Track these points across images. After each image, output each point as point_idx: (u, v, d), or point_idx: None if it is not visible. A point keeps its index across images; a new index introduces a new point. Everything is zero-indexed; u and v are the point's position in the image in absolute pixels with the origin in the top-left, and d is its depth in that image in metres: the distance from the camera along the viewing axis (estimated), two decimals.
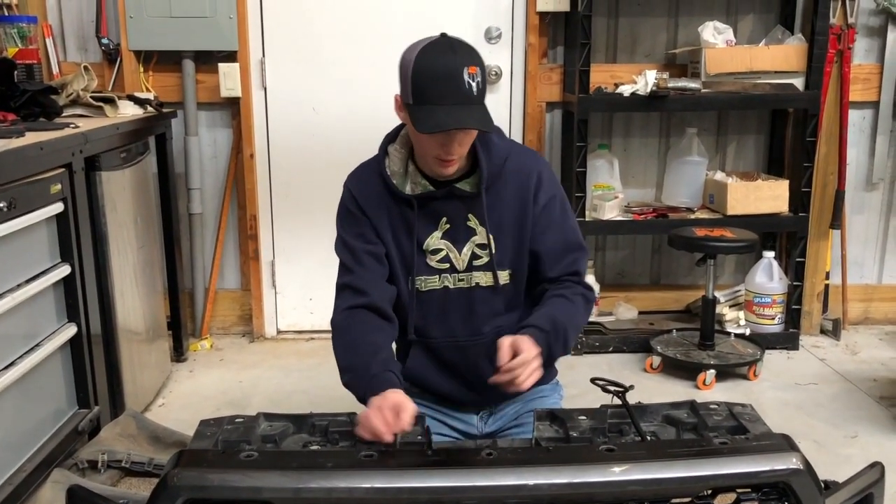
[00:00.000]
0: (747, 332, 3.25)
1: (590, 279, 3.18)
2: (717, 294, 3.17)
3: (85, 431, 2.21)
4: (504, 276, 1.69)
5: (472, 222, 1.67)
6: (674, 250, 3.29)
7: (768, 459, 1.34)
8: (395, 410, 1.36)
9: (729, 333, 3.20)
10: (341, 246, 1.70)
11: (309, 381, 3.03)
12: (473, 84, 1.49)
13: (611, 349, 3.25)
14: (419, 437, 1.40)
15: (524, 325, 1.59)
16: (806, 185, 3.20)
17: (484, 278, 1.69)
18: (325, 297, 3.45)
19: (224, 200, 3.34)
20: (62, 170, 2.12)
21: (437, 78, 1.49)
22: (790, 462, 1.33)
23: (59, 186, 2.09)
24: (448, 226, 1.66)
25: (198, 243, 3.33)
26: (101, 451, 2.22)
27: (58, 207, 2.09)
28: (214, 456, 1.37)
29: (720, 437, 1.41)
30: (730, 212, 3.13)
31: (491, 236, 1.66)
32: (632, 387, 1.47)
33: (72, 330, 2.17)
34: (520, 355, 1.49)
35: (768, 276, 3.27)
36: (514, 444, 1.48)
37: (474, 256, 1.67)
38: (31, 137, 2.03)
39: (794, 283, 3.28)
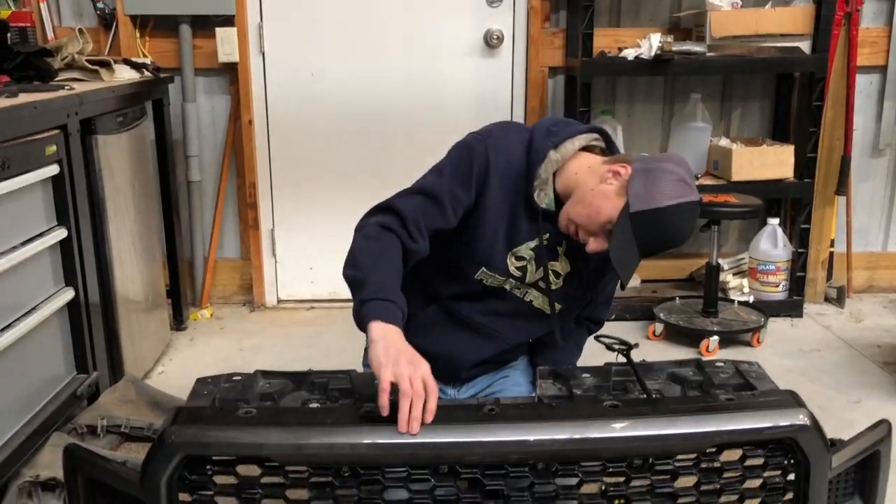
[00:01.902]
0: (751, 299, 3.22)
1: None
2: (720, 261, 3.14)
3: (83, 397, 2.20)
4: (556, 308, 1.68)
5: (561, 248, 1.64)
6: None
7: (775, 415, 1.32)
8: (422, 379, 1.28)
9: (732, 301, 3.17)
10: (433, 178, 1.57)
11: (310, 350, 3.02)
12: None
13: (613, 317, 3.22)
14: None
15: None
16: (812, 151, 3.16)
17: (540, 301, 1.67)
18: (325, 266, 3.47)
19: (223, 168, 3.30)
20: (57, 131, 2.08)
21: (666, 238, 1.51)
22: (797, 418, 1.31)
23: (54, 148, 2.05)
24: (547, 241, 1.62)
25: (197, 211, 3.30)
26: (100, 416, 2.20)
27: (53, 170, 2.05)
28: (213, 413, 1.35)
29: (726, 394, 1.39)
30: (734, 178, 3.10)
31: (569, 272, 1.65)
32: (636, 345, 1.45)
33: (69, 294, 2.14)
34: None
35: (772, 243, 3.24)
36: (516, 401, 1.46)
37: (544, 279, 1.64)
38: (24, 98, 1.99)
39: (799, 251, 3.25)
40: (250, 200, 3.31)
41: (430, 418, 1.27)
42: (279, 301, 3.48)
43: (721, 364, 1.53)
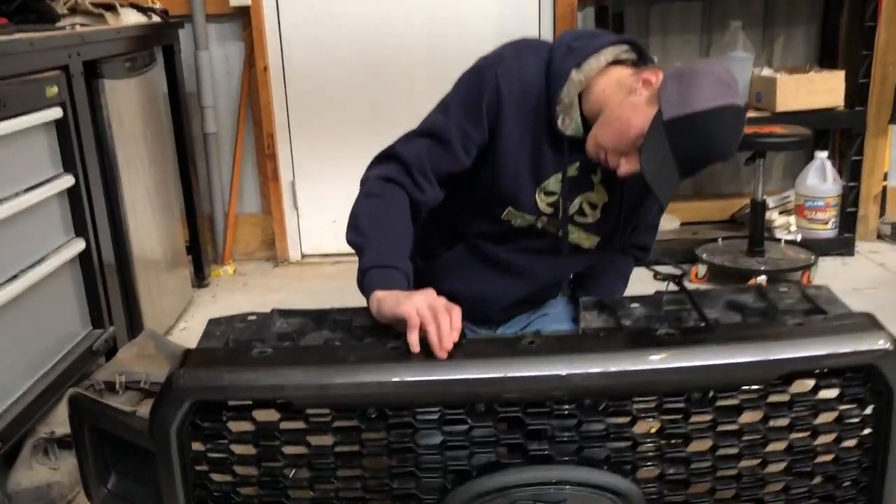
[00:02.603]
0: (798, 238, 3.04)
1: None
2: (765, 199, 2.96)
3: (100, 352, 2.10)
4: (594, 242, 1.53)
5: (596, 177, 1.47)
6: None
7: (852, 340, 1.17)
8: (448, 314, 1.16)
9: (779, 240, 3.00)
10: (440, 116, 1.42)
11: (336, 304, 2.89)
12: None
13: (652, 261, 3.06)
14: None
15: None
16: (863, 77, 2.95)
17: (576, 235, 1.51)
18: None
19: (239, 119, 3.17)
20: (58, 72, 1.97)
21: (707, 149, 1.32)
22: (878, 342, 1.15)
23: (55, 90, 1.93)
24: (577, 172, 1.45)
25: (214, 165, 3.19)
26: (118, 371, 2.10)
27: (56, 112, 1.94)
28: (225, 354, 1.24)
29: (795, 319, 1.24)
30: (779, 108, 2.90)
31: (607, 202, 1.49)
32: (685, 273, 1.30)
33: (79, 245, 2.04)
34: None
35: (821, 177, 3.05)
36: (559, 333, 1.33)
37: (580, 212, 1.49)
38: (19, 36, 1.87)
39: (850, 185, 3.06)
40: (268, 152, 3.19)
41: (456, 335, 1.15)
42: (303, 256, 3.37)
43: (785, 289, 1.38)
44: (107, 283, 2.16)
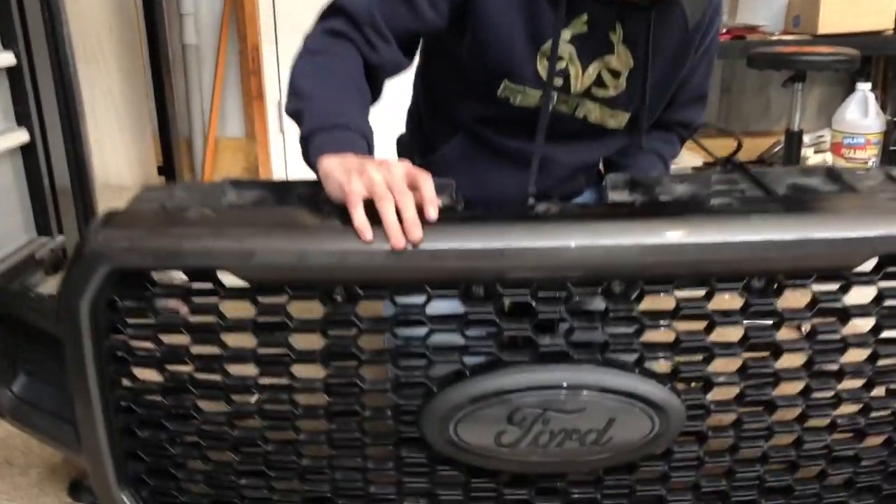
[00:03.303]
0: None
1: None
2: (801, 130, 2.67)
3: (45, 262, 1.83)
4: (623, 120, 1.23)
5: (616, 35, 1.16)
6: (745, 90, 2.78)
7: None
8: (409, 180, 0.89)
9: None
10: None
11: None
12: None
13: None
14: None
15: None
16: None
17: (597, 113, 1.21)
18: None
19: (222, 30, 2.88)
20: None
21: None
22: None
23: None
24: (586, 28, 1.14)
25: (194, 82, 2.90)
26: None
27: None
28: (156, 216, 0.97)
29: (886, 195, 0.98)
30: (821, 30, 2.61)
31: (633, 69, 1.18)
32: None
33: (22, 135, 1.77)
34: None
35: (862, 111, 2.75)
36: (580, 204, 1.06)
37: (598, 83, 1.18)
38: None
39: (894, 120, 2.77)
40: (253, 67, 2.89)
41: (432, 213, 0.87)
42: None
43: (863, 171, 1.11)
44: (55, 187, 1.89)
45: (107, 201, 2.14)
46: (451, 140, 1.29)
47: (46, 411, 1.08)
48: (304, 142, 1.01)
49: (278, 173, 3.05)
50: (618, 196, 1.05)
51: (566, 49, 1.15)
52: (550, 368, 0.91)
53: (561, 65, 1.16)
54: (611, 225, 0.89)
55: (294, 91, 1.07)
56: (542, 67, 1.15)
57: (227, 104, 2.99)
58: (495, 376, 0.91)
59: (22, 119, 1.77)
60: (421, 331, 0.92)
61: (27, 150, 1.79)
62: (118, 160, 2.29)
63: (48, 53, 1.83)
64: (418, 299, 0.91)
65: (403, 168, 0.90)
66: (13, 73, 1.74)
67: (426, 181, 0.88)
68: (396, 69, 1.16)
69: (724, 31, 2.74)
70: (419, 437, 0.94)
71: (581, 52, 1.16)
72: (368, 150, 1.01)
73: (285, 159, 3.06)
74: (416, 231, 0.85)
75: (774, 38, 2.73)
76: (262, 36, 2.88)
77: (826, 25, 2.61)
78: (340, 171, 0.92)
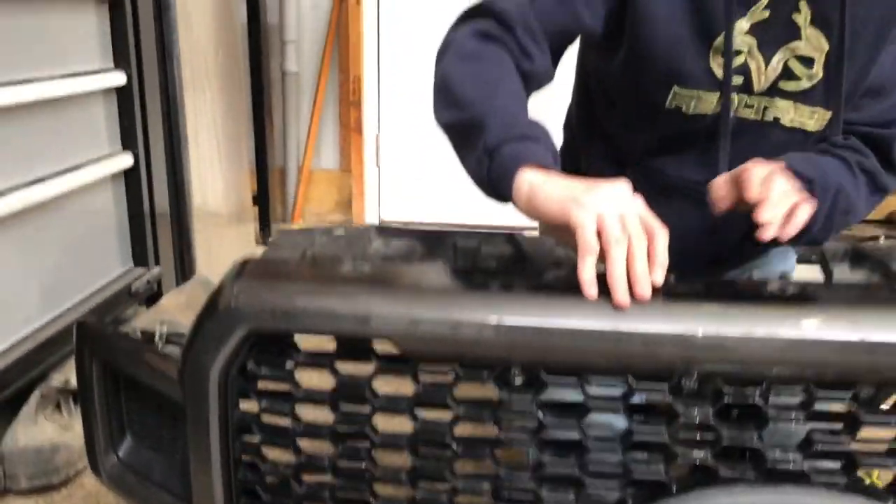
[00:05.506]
0: None
1: None
2: None
3: (140, 294, 1.74)
4: (824, 119, 1.01)
5: (802, 15, 0.97)
6: None
7: None
8: (638, 217, 0.73)
9: None
10: None
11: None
12: None
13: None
14: None
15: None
16: None
17: (792, 113, 1.01)
18: (438, 180, 2.90)
19: (324, 59, 2.79)
20: None
21: None
22: None
23: None
24: (767, 13, 0.97)
25: (292, 110, 2.82)
26: (160, 321, 1.72)
27: None
28: (301, 267, 0.82)
29: None
30: None
31: (829, 52, 0.98)
32: None
33: (126, 160, 1.69)
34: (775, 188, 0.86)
35: None
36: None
37: (786, 73, 0.99)
38: None
39: None
40: (353, 98, 2.80)
41: (658, 278, 0.71)
42: (381, 222, 2.97)
43: None
44: (155, 215, 1.80)
45: (201, 230, 2.05)
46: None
47: (154, 482, 0.94)
48: (489, 155, 0.84)
49: (371, 208, 2.94)
50: (839, 269, 0.87)
51: (745, 41, 0.97)
52: (782, 491, 0.72)
53: (739, 60, 0.98)
54: (873, 315, 0.71)
55: (454, 100, 0.90)
56: (716, 65, 0.97)
57: (323, 134, 2.90)
58: (709, 496, 0.73)
59: (127, 142, 1.68)
60: (617, 427, 0.75)
61: (129, 175, 1.70)
62: (215, 188, 2.19)
63: (157, 74, 1.74)
64: (609, 390, 0.74)
65: (637, 205, 0.74)
66: (122, 93, 1.66)
67: (661, 234, 0.72)
68: (545, 81, 0.99)
69: None
70: None
71: (762, 42, 0.97)
72: (556, 162, 0.84)
73: (379, 194, 2.95)
74: (646, 287, 0.69)
75: None
76: (364, 65, 2.79)
77: None
78: (558, 190, 0.76)
